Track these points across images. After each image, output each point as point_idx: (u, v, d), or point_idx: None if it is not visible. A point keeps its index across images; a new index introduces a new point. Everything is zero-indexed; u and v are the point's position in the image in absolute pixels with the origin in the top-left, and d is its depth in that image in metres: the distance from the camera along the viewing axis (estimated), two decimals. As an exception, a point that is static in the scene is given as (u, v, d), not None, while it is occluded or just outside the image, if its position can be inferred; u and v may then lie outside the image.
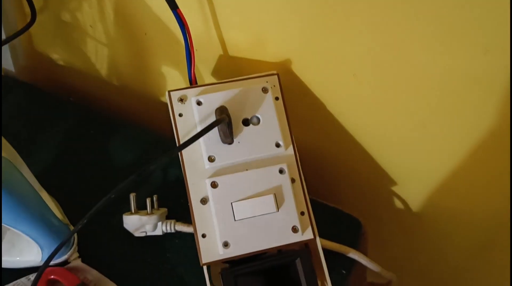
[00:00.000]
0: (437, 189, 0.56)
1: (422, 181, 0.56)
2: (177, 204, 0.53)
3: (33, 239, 0.43)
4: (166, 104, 0.66)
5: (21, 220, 0.41)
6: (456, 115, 0.44)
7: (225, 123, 0.40)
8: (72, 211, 0.50)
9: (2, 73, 0.69)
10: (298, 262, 0.42)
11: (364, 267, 0.62)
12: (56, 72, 0.72)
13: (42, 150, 0.59)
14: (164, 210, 0.51)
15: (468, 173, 0.51)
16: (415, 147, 0.50)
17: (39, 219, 0.42)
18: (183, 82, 0.58)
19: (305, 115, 0.52)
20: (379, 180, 0.58)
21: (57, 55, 0.70)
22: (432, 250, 0.71)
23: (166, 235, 0.51)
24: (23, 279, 0.47)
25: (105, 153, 0.58)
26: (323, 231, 0.44)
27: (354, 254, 0.50)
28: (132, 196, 0.50)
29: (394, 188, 0.59)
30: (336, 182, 0.61)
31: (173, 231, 0.50)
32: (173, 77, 0.59)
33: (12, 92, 0.65)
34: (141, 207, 0.51)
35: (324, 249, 0.44)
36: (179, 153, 0.43)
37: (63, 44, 0.67)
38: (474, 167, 0.49)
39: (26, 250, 0.47)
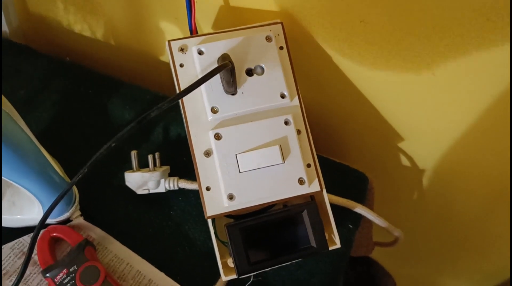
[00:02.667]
0: (444, 146, 0.55)
1: (429, 138, 0.55)
2: (179, 162, 0.52)
3: (33, 194, 0.41)
4: (165, 63, 0.64)
5: (22, 174, 0.39)
6: (468, 62, 0.42)
7: (228, 70, 0.38)
8: (72, 172, 0.49)
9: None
10: (304, 214, 0.41)
11: (370, 226, 0.62)
12: (50, 33, 0.70)
13: (39, 111, 0.57)
14: (166, 167, 0.50)
15: (476, 131, 0.50)
16: (423, 101, 0.49)
17: (40, 173, 0.41)
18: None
19: (310, 69, 0.51)
20: (386, 137, 0.57)
21: (52, 15, 0.67)
22: (437, 209, 0.70)
23: (169, 192, 0.50)
24: (25, 237, 0.46)
25: (104, 112, 0.57)
26: (329, 186, 0.43)
27: (361, 209, 0.49)
28: (133, 154, 0.49)
29: (401, 145, 0.57)
30: (343, 139, 0.60)
31: (176, 188, 0.49)
32: (171, 33, 0.57)
33: (6, 53, 0.63)
34: (143, 166, 0.50)
35: (330, 204, 0.43)
36: (181, 105, 0.42)
37: (57, 4, 0.65)
38: (484, 125, 0.48)
39: (27, 208, 0.46)
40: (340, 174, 0.52)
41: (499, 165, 0.54)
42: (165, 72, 0.65)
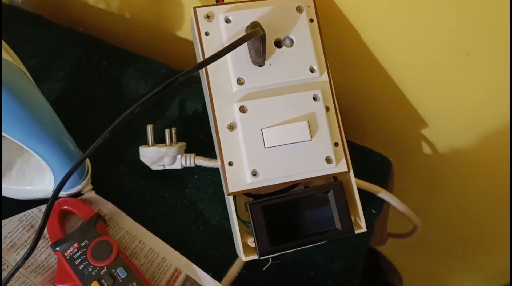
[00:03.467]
0: (468, 137, 0.53)
1: (453, 126, 0.53)
2: (196, 139, 0.50)
3: (46, 162, 0.39)
4: (182, 39, 0.62)
5: (38, 138, 0.37)
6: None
7: (258, 38, 0.36)
8: (83, 145, 0.46)
9: (7, 2, 0.64)
10: (330, 195, 0.39)
11: (386, 215, 0.60)
12: (63, 4, 0.68)
13: (51, 81, 0.55)
14: (183, 143, 0.48)
15: (503, 126, 0.48)
16: (453, 86, 0.47)
17: (56, 139, 0.39)
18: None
19: (337, 46, 0.49)
20: (409, 122, 0.55)
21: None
22: (452, 203, 0.69)
23: (184, 169, 0.48)
24: (34, 210, 0.44)
25: (117, 85, 0.55)
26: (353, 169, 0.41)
27: (384, 194, 0.47)
28: (149, 127, 0.47)
29: (424, 131, 0.55)
30: (364, 122, 0.58)
31: (192, 165, 0.47)
32: (190, 6, 0.55)
33: (18, 22, 0.60)
34: (158, 142, 0.48)
35: (353, 188, 0.41)
36: (204, 76, 0.40)
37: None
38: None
39: (37, 180, 0.44)
40: (363, 158, 0.50)
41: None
42: (182, 47, 0.63)
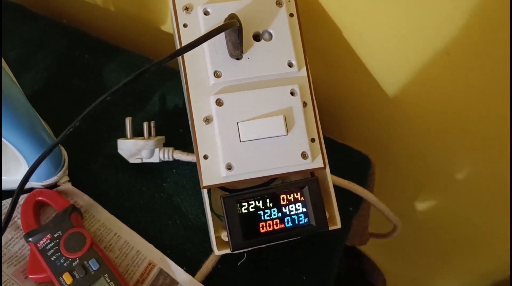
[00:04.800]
0: (449, 139, 0.53)
1: (434, 126, 0.53)
2: (175, 133, 0.50)
3: (20, 152, 0.39)
4: (166, 33, 0.62)
5: (11, 128, 0.37)
6: (486, 41, 0.40)
7: (235, 30, 0.36)
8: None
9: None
10: (305, 190, 0.39)
11: (367, 215, 0.60)
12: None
13: (32, 73, 0.54)
14: (161, 137, 0.48)
15: (487, 127, 0.48)
16: (435, 85, 0.47)
17: (30, 130, 0.38)
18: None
19: (317, 42, 0.48)
20: (390, 122, 0.55)
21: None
22: (435, 205, 0.69)
23: (163, 163, 0.48)
24: (8, 200, 0.44)
25: (99, 78, 0.54)
26: (330, 167, 0.41)
27: (362, 192, 0.47)
28: (128, 120, 0.46)
29: (406, 132, 0.55)
30: (345, 120, 0.58)
31: (171, 159, 0.47)
32: None
33: (1, 13, 0.60)
34: (137, 135, 0.47)
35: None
36: (182, 68, 0.40)
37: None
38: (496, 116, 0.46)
39: (13, 169, 0.43)
40: (342, 155, 0.50)
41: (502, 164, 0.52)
42: (166, 42, 0.62)
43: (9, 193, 0.44)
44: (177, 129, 0.50)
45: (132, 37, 0.64)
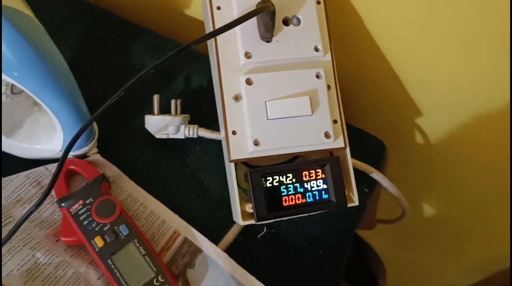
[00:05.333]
0: (461, 129, 0.55)
1: (446, 116, 0.55)
2: (199, 113, 0.52)
3: (58, 118, 0.41)
4: (189, 17, 0.63)
5: (52, 93, 0.38)
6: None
7: (269, 13, 0.38)
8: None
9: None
10: (327, 168, 0.42)
11: (377, 199, 0.62)
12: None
13: (60, 49, 0.56)
14: (187, 115, 0.50)
15: (497, 117, 0.50)
16: (449, 75, 0.49)
17: (69, 97, 0.40)
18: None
19: (341, 30, 0.50)
20: (404, 109, 0.57)
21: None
22: (441, 193, 0.71)
23: (187, 140, 0.50)
24: (41, 168, 0.46)
25: (125, 57, 0.56)
26: (348, 149, 0.43)
27: (377, 175, 0.49)
28: (156, 97, 0.48)
29: (418, 120, 0.58)
30: (361, 106, 0.60)
31: (195, 136, 0.49)
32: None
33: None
34: (163, 112, 0.49)
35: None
36: (214, 48, 0.42)
37: None
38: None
39: (45, 139, 0.45)
40: (359, 140, 0.52)
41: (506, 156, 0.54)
42: (189, 26, 0.64)
43: (38, 162, 0.46)
44: (200, 108, 0.52)
45: (157, 19, 0.65)
